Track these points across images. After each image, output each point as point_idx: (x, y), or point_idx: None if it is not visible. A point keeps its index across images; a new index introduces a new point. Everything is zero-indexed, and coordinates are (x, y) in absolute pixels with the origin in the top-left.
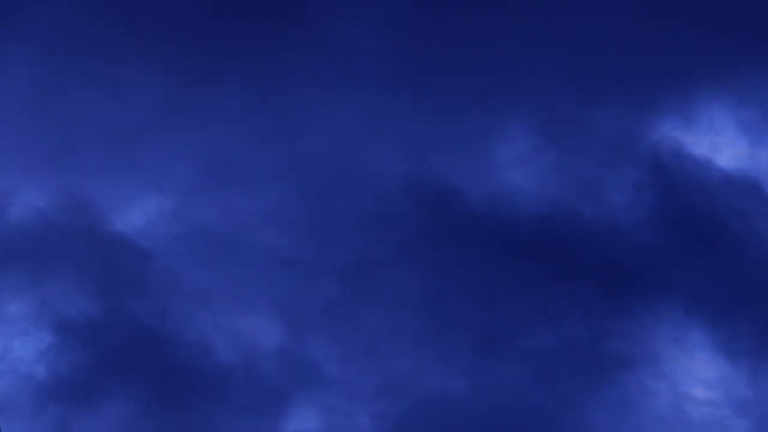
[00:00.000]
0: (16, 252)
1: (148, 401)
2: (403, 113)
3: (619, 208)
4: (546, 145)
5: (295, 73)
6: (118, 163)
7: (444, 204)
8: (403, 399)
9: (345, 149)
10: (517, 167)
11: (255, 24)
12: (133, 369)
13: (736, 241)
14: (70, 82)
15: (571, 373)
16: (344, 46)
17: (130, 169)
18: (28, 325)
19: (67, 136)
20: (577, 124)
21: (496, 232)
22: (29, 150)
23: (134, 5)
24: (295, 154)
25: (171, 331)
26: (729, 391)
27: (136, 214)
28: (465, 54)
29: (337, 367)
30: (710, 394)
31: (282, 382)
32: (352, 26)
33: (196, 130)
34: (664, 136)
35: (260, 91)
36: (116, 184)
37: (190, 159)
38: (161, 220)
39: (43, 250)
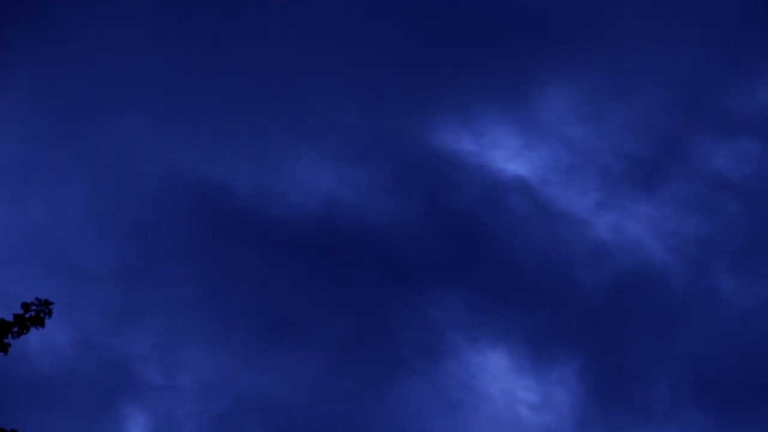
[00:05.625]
0: None
1: None
2: (186, 114)
3: (395, 206)
4: (321, 144)
5: (77, 80)
6: None
7: (222, 203)
8: (217, 397)
9: (126, 152)
10: (293, 166)
11: (33, 27)
12: None
13: (505, 240)
14: None
15: (367, 363)
16: (121, 50)
17: None
18: None
19: None
20: (351, 127)
21: (273, 230)
22: None
23: None
24: (79, 158)
25: None
26: (515, 381)
27: None
28: (243, 56)
29: (146, 368)
30: (499, 382)
31: (99, 385)
32: (124, 30)
33: None
34: (440, 139)
35: (43, 97)
36: None
37: None
38: None
39: None
